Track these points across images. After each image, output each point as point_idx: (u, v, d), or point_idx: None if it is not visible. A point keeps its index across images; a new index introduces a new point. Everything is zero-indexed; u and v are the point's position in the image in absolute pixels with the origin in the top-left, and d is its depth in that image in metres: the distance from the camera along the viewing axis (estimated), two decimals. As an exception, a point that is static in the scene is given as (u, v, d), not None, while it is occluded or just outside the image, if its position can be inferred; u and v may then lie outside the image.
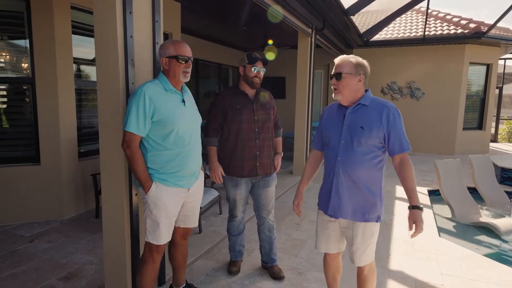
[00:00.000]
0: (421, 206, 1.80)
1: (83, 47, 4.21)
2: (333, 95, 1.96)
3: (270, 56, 7.58)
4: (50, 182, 3.90)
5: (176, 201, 2.10)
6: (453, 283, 2.75)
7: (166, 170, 2.03)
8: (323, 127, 2.09)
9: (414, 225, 1.78)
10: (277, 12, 4.61)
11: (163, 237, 2.09)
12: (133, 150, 1.95)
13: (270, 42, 7.66)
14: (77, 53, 4.09)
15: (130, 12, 2.14)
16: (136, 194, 2.29)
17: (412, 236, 1.79)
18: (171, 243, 2.36)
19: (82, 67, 4.28)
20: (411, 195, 1.82)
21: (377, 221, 1.94)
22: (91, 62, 4.35)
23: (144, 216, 2.12)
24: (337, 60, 1.94)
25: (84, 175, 4.19)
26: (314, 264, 3.01)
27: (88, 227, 3.74)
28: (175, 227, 2.28)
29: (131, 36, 2.15)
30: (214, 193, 4.01)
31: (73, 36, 3.96)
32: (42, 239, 3.44)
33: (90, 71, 4.39)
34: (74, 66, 4.07)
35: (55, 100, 3.82)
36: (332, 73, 1.95)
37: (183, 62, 2.01)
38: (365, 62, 1.94)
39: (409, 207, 1.82)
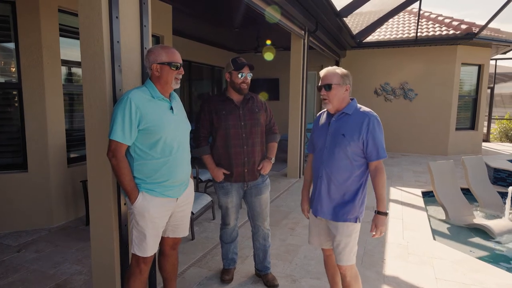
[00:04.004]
0: (387, 212, 2.01)
1: (72, 51, 4.13)
2: (322, 105, 2.09)
3: (268, 56, 7.53)
4: (38, 190, 3.81)
5: (164, 212, 2.04)
6: (449, 287, 2.73)
7: (154, 180, 1.97)
8: (314, 133, 2.24)
9: (375, 228, 1.99)
10: (270, 15, 4.57)
11: (150, 249, 2.03)
12: (118, 159, 1.89)
13: (268, 42, 7.60)
14: (65, 56, 4.01)
15: (117, 17, 2.07)
16: (125, 204, 2.23)
17: (373, 236, 2.01)
18: (161, 254, 2.30)
19: (71, 71, 4.19)
20: (379, 200, 2.00)
21: (356, 222, 2.05)
22: (80, 66, 4.26)
23: (130, 227, 2.06)
24: (323, 72, 2.06)
25: (73, 182, 4.10)
26: (308, 271, 2.97)
27: (78, 235, 3.66)
28: (164, 237, 2.22)
29: (117, 42, 2.09)
30: (207, 199, 3.95)
31: (61, 39, 3.88)
32: (30, 248, 3.35)
33: (79, 75, 4.30)
34: (62, 70, 3.98)
35: (42, 105, 3.73)
36: (320, 84, 2.06)
37: (175, 69, 1.97)
38: (348, 73, 2.10)
39: (375, 211, 2.02)
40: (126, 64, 2.19)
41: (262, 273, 2.78)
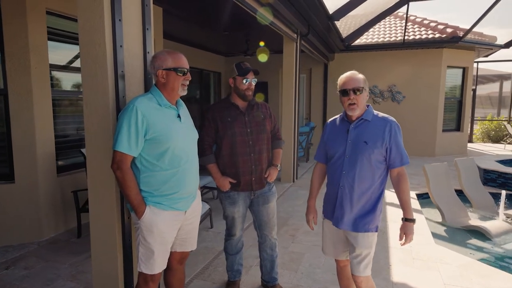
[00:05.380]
0: (414, 218, 1.95)
1: (61, 55, 3.94)
2: (349, 111, 1.98)
3: (263, 58, 7.43)
4: (25, 201, 3.60)
5: (173, 226, 1.93)
6: (457, 293, 2.71)
7: (161, 193, 1.86)
8: (327, 141, 2.14)
9: (404, 236, 1.96)
10: (264, 16, 4.51)
11: (158, 266, 1.92)
12: (124, 171, 1.77)
13: (262, 43, 7.50)
14: (55, 60, 3.82)
15: (120, 20, 1.95)
16: (129, 217, 2.10)
17: (402, 244, 1.99)
18: (167, 269, 2.17)
19: (60, 75, 3.99)
20: (405, 207, 1.97)
21: (376, 231, 2.02)
22: (69, 70, 4.08)
23: (136, 243, 1.93)
24: (348, 76, 1.97)
25: (63, 192, 3.90)
26: (316, 280, 2.89)
27: (70, 249, 3.47)
28: (171, 251, 2.10)
29: (120, 46, 1.97)
30: (205, 207, 3.82)
31: (50, 43, 3.69)
32: (19, 265, 3.14)
33: (69, 80, 4.11)
34: (51, 75, 3.78)
35: (30, 112, 3.53)
36: (346, 88, 1.94)
37: (182, 75, 1.86)
38: None
39: (402, 219, 1.98)
40: (129, 70, 2.06)
41: (269, 285, 2.69)
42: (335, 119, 2.16)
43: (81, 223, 3.76)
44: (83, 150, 3.72)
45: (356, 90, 1.91)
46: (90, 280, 2.84)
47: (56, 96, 3.87)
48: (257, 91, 2.51)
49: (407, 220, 1.94)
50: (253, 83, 2.44)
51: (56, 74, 3.93)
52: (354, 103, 1.92)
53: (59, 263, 3.19)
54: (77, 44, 4.03)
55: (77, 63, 4.13)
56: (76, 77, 4.18)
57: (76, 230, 3.79)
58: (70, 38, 4.00)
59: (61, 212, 3.90)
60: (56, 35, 3.85)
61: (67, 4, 3.82)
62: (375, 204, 1.98)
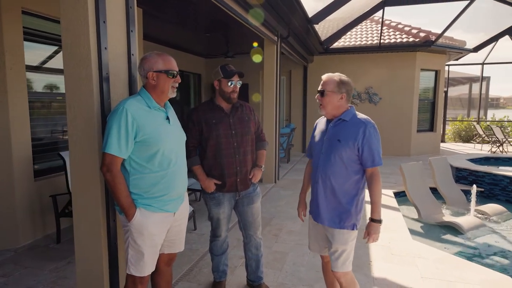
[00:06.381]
0: (381, 219, 1.99)
1: (38, 55, 3.84)
2: (318, 109, 2.12)
3: (257, 58, 7.42)
4: (1, 207, 3.47)
5: (162, 228, 1.94)
6: (436, 286, 2.83)
7: (151, 195, 1.86)
8: (312, 139, 2.26)
9: (368, 235, 2.01)
10: (248, 21, 4.56)
11: (148, 268, 1.92)
12: (114, 174, 1.76)
13: (255, 44, 7.49)
14: (31, 61, 3.71)
15: (104, 21, 1.94)
16: (114, 220, 2.09)
17: (367, 242, 2.03)
18: (155, 271, 2.16)
19: (38, 76, 3.88)
20: (374, 208, 2.01)
21: (352, 229, 2.04)
22: (47, 71, 3.97)
23: (125, 245, 1.92)
24: (323, 77, 2.08)
25: (41, 197, 3.78)
26: (300, 278, 2.96)
27: (49, 255, 3.37)
28: (159, 253, 2.10)
29: (105, 48, 1.96)
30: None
31: (26, 43, 3.58)
32: (-5, 273, 3.04)
33: (47, 81, 4.00)
34: (28, 76, 3.67)
35: (5, 114, 3.42)
36: (318, 89, 2.08)
37: (172, 77, 1.88)
38: (349, 80, 2.09)
39: (369, 219, 2.02)
40: (113, 72, 2.05)
41: (255, 284, 2.73)
42: (322, 118, 2.25)
43: (60, 228, 3.66)
44: (62, 153, 3.63)
45: (321, 92, 2.03)
46: (73, 286, 2.79)
47: (33, 97, 3.76)
48: (239, 93, 2.54)
49: (373, 221, 1.99)
50: (238, 86, 2.48)
51: (33, 75, 3.81)
52: (320, 104, 2.05)
53: (38, 269, 3.10)
54: (55, 44, 3.98)
55: (54, 64, 4.03)
56: (54, 78, 4.08)
57: (55, 235, 3.69)
58: (47, 38, 3.90)
59: (39, 217, 3.79)
60: (33, 35, 3.74)
61: (44, 4, 3.73)
62: (351, 202, 2.02)
